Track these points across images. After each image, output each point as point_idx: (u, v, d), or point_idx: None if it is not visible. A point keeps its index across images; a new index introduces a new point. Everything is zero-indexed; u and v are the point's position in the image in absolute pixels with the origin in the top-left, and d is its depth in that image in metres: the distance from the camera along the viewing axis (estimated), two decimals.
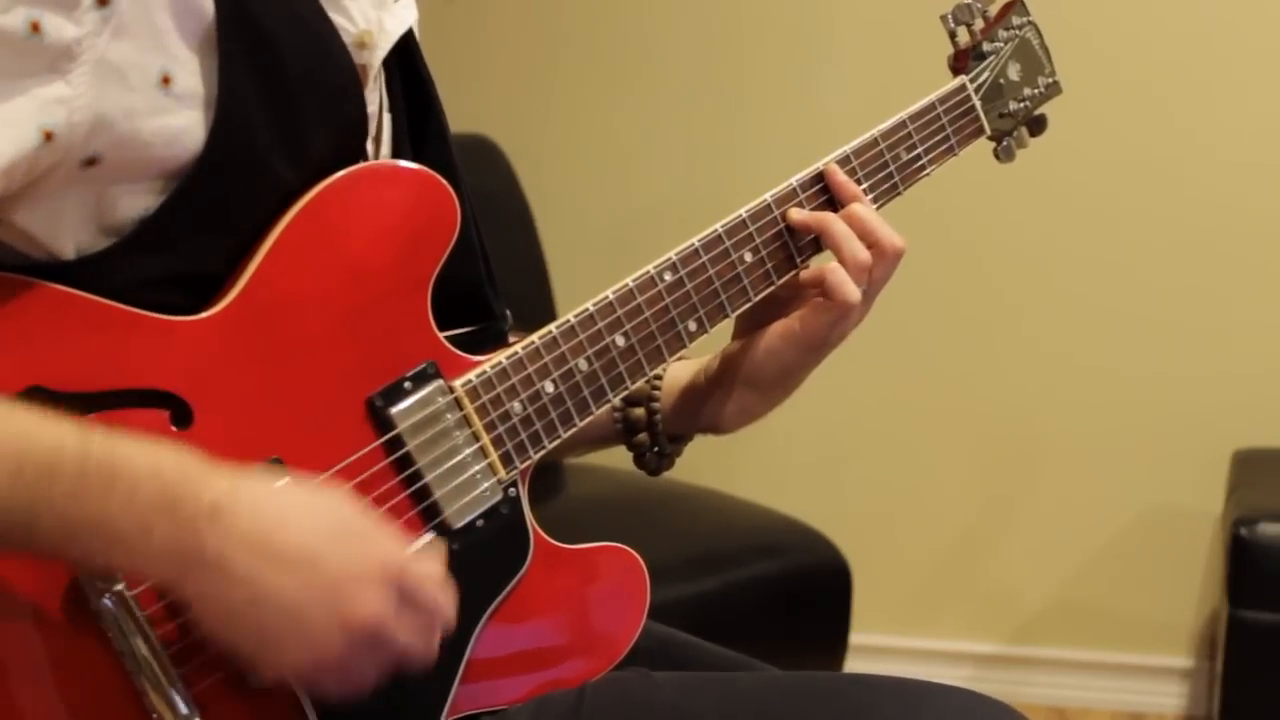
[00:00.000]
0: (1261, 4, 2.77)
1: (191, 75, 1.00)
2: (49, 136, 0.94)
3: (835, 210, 1.24)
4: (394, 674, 0.99)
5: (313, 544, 0.95)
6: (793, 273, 1.25)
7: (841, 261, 1.22)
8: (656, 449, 1.32)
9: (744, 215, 1.23)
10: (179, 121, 1.00)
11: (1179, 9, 2.80)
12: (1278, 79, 2.78)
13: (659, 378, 1.30)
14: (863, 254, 1.22)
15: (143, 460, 0.93)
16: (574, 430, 1.16)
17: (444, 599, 1.00)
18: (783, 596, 2.36)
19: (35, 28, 0.93)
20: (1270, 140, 2.78)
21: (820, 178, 1.25)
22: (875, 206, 1.27)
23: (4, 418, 0.92)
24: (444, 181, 1.11)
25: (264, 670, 0.98)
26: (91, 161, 0.97)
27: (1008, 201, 2.82)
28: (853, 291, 1.21)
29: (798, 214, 1.24)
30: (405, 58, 1.17)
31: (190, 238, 1.02)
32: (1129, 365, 2.88)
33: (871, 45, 2.90)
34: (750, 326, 1.27)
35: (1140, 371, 2.87)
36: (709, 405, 1.28)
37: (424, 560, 1.00)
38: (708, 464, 2.94)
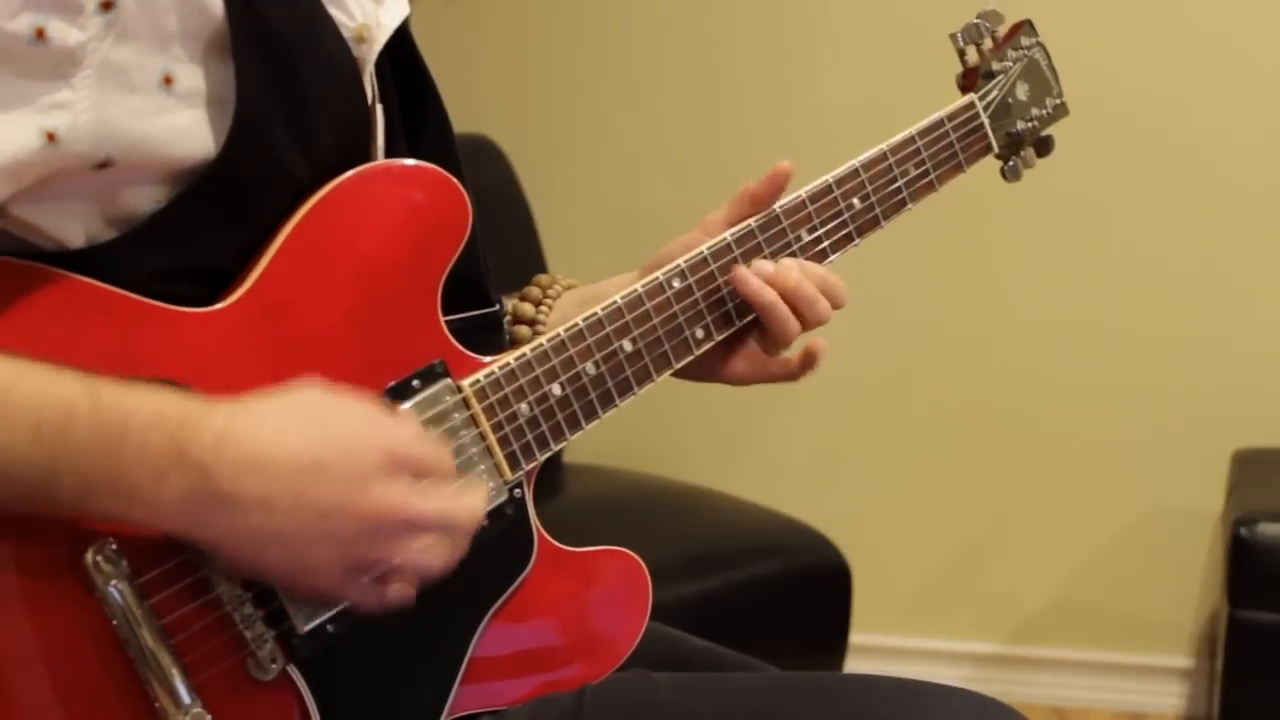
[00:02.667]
0: (1261, 5, 2.77)
1: (195, 75, 1.00)
2: (51, 137, 0.94)
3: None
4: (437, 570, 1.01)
5: (314, 451, 0.96)
6: None
7: (803, 317, 1.22)
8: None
9: (753, 226, 1.24)
10: (183, 121, 1.00)
11: (1180, 10, 2.80)
12: (1277, 81, 2.78)
13: None
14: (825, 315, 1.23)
15: (149, 409, 0.94)
16: (580, 434, 1.16)
17: (442, 451, 1.02)
18: (783, 596, 2.36)
19: (40, 34, 0.93)
20: (1270, 140, 2.79)
21: (829, 190, 1.26)
22: (884, 221, 1.29)
23: (18, 380, 0.93)
24: (456, 181, 1.12)
25: (307, 594, 1.00)
26: (104, 165, 0.98)
27: (1008, 202, 2.80)
28: (780, 343, 1.23)
29: (744, 280, 1.21)
30: (399, 50, 1.18)
31: (202, 231, 1.02)
32: (1129, 365, 2.88)
33: (872, 47, 2.90)
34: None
35: (1140, 371, 2.87)
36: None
37: (409, 423, 1.02)
38: (708, 464, 2.96)
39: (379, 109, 1.15)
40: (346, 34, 1.10)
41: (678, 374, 1.24)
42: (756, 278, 1.21)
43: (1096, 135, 2.78)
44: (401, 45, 1.17)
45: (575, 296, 1.28)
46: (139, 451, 0.93)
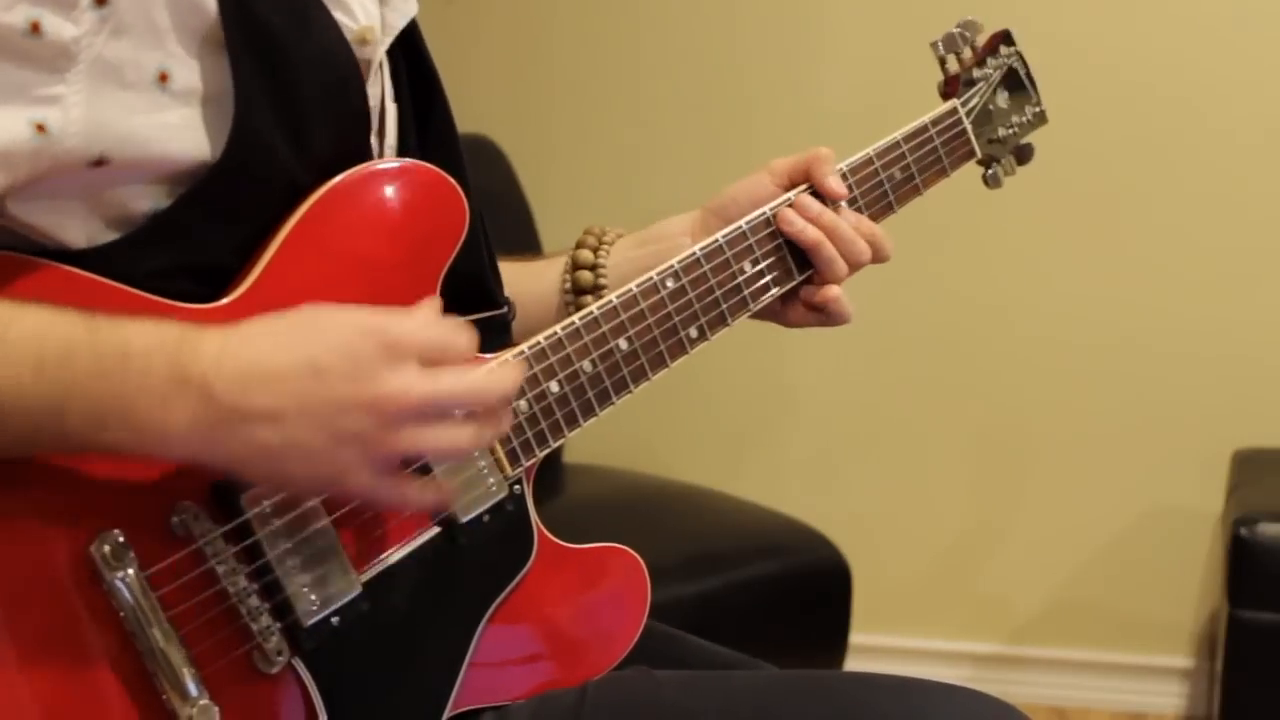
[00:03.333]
0: (1260, 6, 2.77)
1: (191, 72, 1.00)
2: (41, 129, 0.94)
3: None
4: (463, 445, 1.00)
5: (311, 353, 0.95)
6: (790, 284, 1.28)
7: (846, 258, 1.28)
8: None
9: (744, 227, 1.26)
10: (177, 119, 1.00)
11: (1176, 11, 2.80)
12: (1277, 80, 2.78)
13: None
14: (866, 255, 1.29)
15: (149, 335, 0.94)
16: (578, 431, 1.16)
17: (447, 329, 1.00)
18: (783, 596, 2.36)
19: (35, 27, 0.93)
20: (1270, 140, 2.78)
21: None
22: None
23: (16, 318, 0.93)
24: (453, 180, 1.12)
25: (343, 499, 1.00)
26: (99, 162, 0.98)
27: (1005, 203, 2.80)
28: (850, 312, 1.29)
29: (790, 224, 1.26)
30: (409, 49, 1.18)
31: (201, 230, 1.03)
32: (1129, 365, 2.88)
33: (872, 48, 2.90)
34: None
35: (1140, 371, 2.87)
36: None
37: (414, 315, 1.00)
38: (708, 464, 2.96)
39: (392, 108, 1.15)
40: (348, 35, 1.10)
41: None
42: (799, 217, 1.26)
43: (1094, 135, 2.78)
44: (410, 44, 1.17)
45: (633, 239, 1.31)
46: (142, 376, 0.92)
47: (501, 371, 1.04)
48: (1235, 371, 2.83)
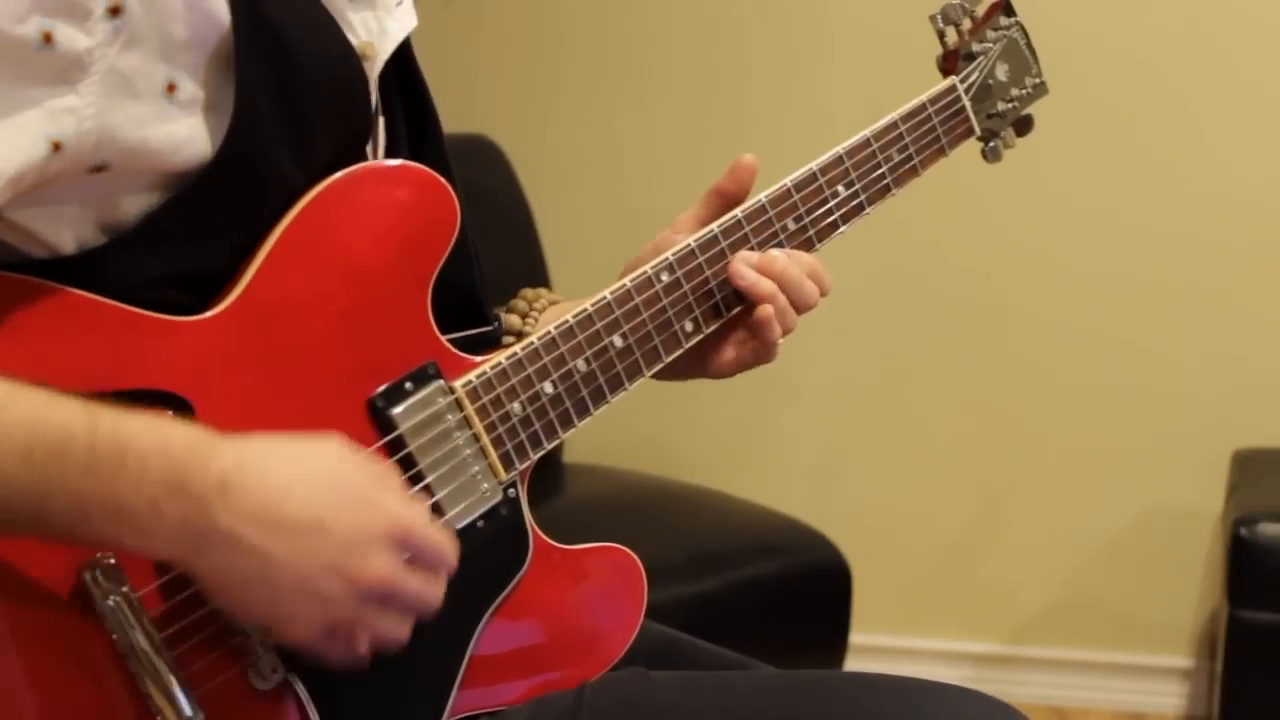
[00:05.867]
0: (1260, 4, 2.77)
1: (197, 83, 1.00)
2: (57, 147, 0.94)
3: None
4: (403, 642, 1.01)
5: (319, 511, 0.95)
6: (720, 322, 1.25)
7: (794, 303, 1.23)
8: None
9: (739, 216, 1.24)
10: (183, 129, 1.00)
11: (1177, 8, 2.80)
12: (1277, 81, 2.78)
13: None
14: (814, 296, 1.23)
15: (150, 437, 0.93)
16: (573, 432, 1.16)
17: (448, 546, 1.01)
18: (783, 596, 2.36)
19: (48, 38, 0.93)
20: (1270, 140, 2.78)
21: (814, 178, 1.26)
22: (868, 207, 1.29)
23: (12, 400, 0.92)
24: (443, 180, 1.11)
25: (278, 639, 1.00)
26: (99, 169, 0.98)
27: (1006, 202, 2.82)
28: (777, 335, 1.23)
29: (742, 278, 1.22)
30: (401, 61, 1.18)
31: (193, 236, 1.02)
32: (1129, 365, 2.88)
33: (872, 46, 2.90)
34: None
35: (1140, 371, 2.87)
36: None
37: (424, 513, 1.01)
38: (708, 464, 2.96)
39: (381, 120, 1.15)
40: None
41: (660, 375, 1.23)
42: (751, 269, 1.21)
43: (1096, 133, 2.77)
44: (401, 57, 1.17)
45: (559, 310, 1.27)
46: (137, 477, 0.92)
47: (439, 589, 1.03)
48: (1235, 371, 2.83)
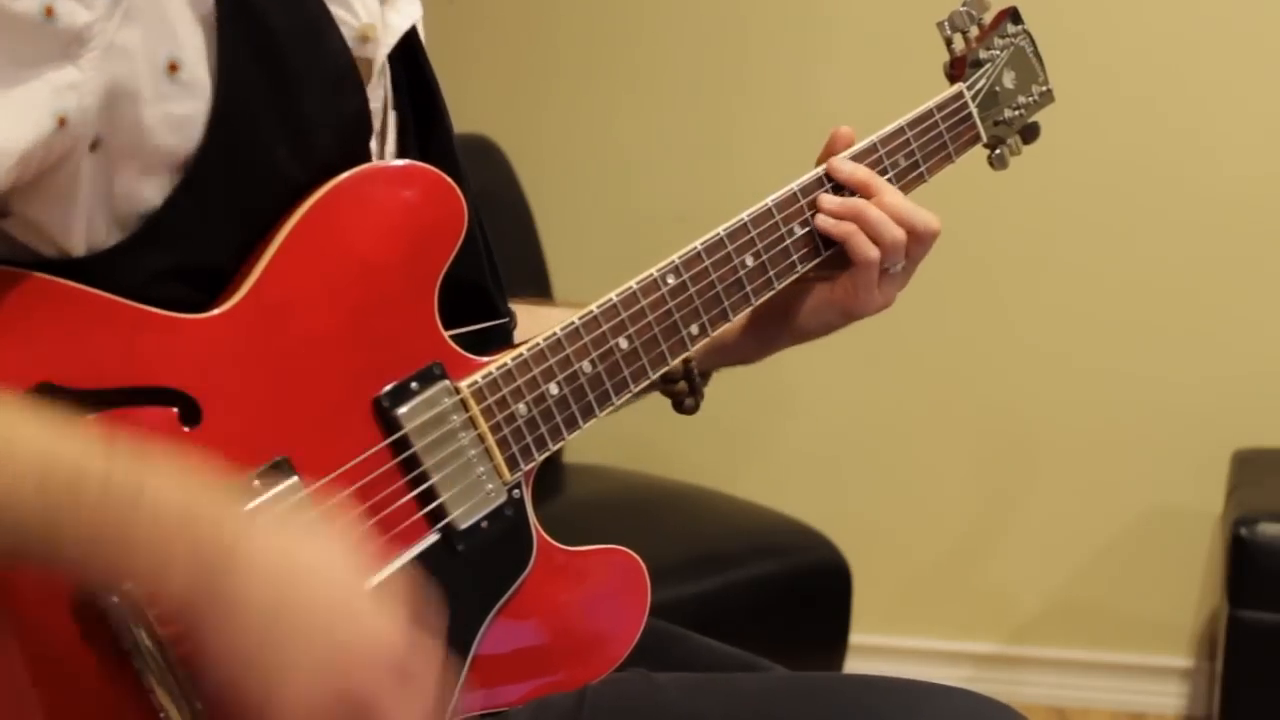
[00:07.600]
0: (1259, 6, 2.77)
1: (199, 63, 1.00)
2: (62, 122, 0.94)
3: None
4: None
5: (324, 615, 0.93)
6: (793, 277, 1.27)
7: (879, 245, 1.26)
8: (692, 392, 1.34)
9: (745, 219, 1.24)
10: (184, 109, 0.99)
11: (1177, 12, 2.80)
12: (1277, 80, 2.78)
13: None
14: (900, 235, 1.27)
15: (167, 490, 0.91)
16: (578, 434, 1.15)
17: (440, 684, 0.98)
18: (783, 596, 2.36)
19: (49, 12, 0.92)
20: (1269, 141, 2.79)
21: (821, 181, 1.27)
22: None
23: (29, 432, 0.90)
24: (451, 181, 1.11)
25: (248, 701, 0.96)
26: (95, 145, 0.97)
27: (1007, 203, 2.82)
28: (871, 251, 1.26)
29: (830, 201, 1.26)
30: (410, 56, 1.17)
31: (199, 231, 1.02)
32: (1128, 365, 2.88)
33: (873, 46, 2.90)
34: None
35: (1140, 371, 2.87)
36: (739, 346, 1.34)
37: (426, 644, 0.97)
38: (708, 464, 2.96)
39: (392, 115, 1.15)
40: (349, 33, 1.09)
41: (747, 346, 1.29)
42: (828, 216, 1.26)
43: (1096, 136, 2.78)
44: (411, 55, 1.17)
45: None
46: (149, 529, 0.90)
47: None
48: (1235, 372, 2.83)
